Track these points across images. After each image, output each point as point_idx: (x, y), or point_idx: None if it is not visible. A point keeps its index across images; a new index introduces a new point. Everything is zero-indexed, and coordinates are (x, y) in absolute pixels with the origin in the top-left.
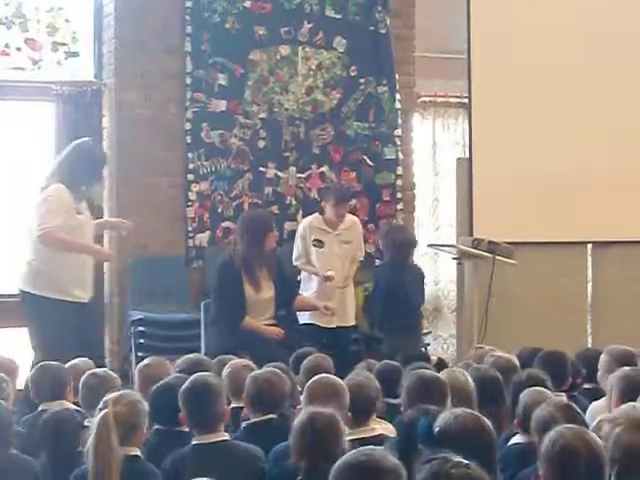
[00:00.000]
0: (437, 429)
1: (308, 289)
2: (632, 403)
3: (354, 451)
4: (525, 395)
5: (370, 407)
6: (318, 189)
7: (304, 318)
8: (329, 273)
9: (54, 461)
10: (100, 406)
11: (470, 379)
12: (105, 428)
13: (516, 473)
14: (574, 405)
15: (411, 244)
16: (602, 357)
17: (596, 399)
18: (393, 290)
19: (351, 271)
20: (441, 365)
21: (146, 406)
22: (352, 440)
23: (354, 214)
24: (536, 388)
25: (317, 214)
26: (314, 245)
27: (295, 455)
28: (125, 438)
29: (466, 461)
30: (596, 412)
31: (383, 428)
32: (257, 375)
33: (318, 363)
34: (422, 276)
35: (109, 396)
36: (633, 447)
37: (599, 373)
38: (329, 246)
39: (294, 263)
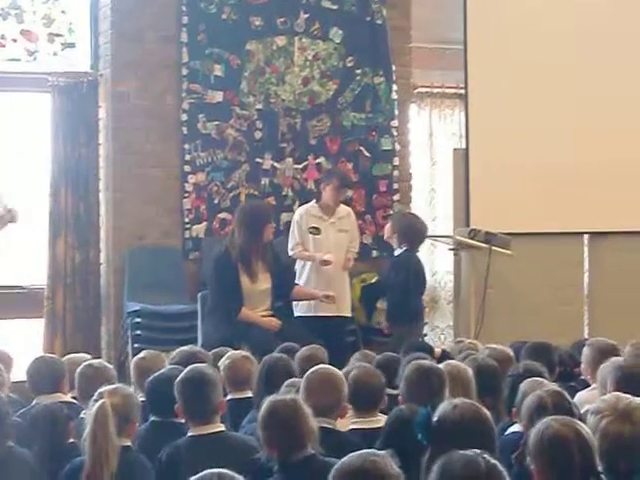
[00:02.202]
0: (436, 419)
1: (301, 279)
2: (616, 393)
3: (357, 455)
4: (525, 385)
5: (378, 397)
6: (315, 180)
7: (299, 311)
8: (327, 257)
9: (44, 454)
10: (95, 397)
11: (469, 369)
12: (103, 417)
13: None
14: (565, 392)
15: (427, 234)
16: (584, 350)
17: None
18: (417, 278)
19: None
20: (445, 357)
21: (139, 400)
22: (355, 429)
23: (349, 205)
24: (535, 379)
25: (313, 202)
26: (310, 232)
27: (265, 447)
28: (119, 429)
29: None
30: (581, 403)
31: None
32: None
33: (312, 353)
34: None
35: (104, 388)
36: (621, 438)
37: (582, 366)
38: (325, 233)
39: (290, 253)
